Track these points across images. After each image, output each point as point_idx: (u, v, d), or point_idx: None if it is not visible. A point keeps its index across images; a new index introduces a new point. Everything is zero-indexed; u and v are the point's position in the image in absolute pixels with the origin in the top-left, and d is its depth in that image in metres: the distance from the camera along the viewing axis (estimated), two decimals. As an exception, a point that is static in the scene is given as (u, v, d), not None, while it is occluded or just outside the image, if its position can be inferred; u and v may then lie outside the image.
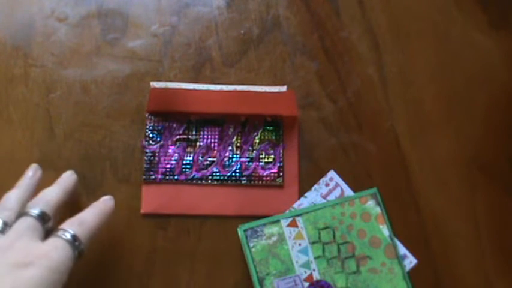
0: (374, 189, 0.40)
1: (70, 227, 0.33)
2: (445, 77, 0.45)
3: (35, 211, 0.33)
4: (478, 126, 0.44)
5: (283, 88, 0.44)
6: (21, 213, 0.33)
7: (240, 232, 0.38)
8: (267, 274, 0.37)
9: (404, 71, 0.45)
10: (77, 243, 0.33)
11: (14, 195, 0.35)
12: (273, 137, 0.43)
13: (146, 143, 0.42)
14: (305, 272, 0.37)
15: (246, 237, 0.38)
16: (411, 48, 0.46)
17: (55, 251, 0.31)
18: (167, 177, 0.41)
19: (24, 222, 0.33)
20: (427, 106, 0.45)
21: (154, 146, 0.42)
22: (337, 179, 0.41)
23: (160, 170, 0.41)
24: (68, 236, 0.32)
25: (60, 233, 0.32)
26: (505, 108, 0.45)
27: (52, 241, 0.32)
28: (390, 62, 0.46)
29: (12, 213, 0.33)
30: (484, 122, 0.44)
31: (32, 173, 0.37)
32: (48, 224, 0.34)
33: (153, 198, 0.41)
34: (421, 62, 0.46)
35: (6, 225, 0.32)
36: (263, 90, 0.43)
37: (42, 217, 0.33)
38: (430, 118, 0.44)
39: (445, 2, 0.47)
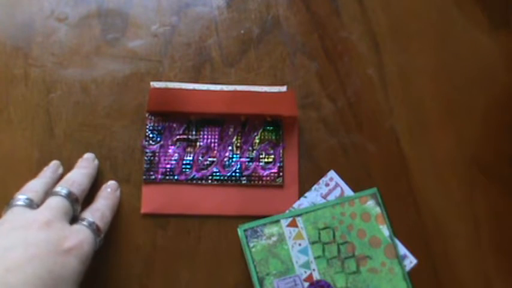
0: (374, 189, 0.40)
1: (93, 218, 0.34)
2: (445, 77, 0.45)
3: (63, 191, 0.34)
4: (478, 126, 0.44)
5: (283, 88, 0.44)
6: (50, 193, 0.34)
7: (240, 232, 0.38)
8: (267, 274, 0.37)
9: (404, 71, 0.45)
10: (99, 235, 0.34)
11: (38, 182, 0.36)
12: (273, 137, 0.43)
13: (146, 143, 0.42)
14: (305, 272, 0.37)
15: (246, 237, 0.38)
16: (411, 48, 0.46)
17: (86, 243, 0.32)
18: (167, 177, 0.41)
19: (55, 201, 0.33)
20: (427, 106, 0.45)
21: (154, 146, 0.42)
22: (337, 179, 0.41)
23: (160, 170, 0.41)
24: (94, 226, 0.33)
25: (85, 222, 0.33)
26: (505, 109, 0.45)
27: (83, 230, 0.33)
28: (390, 62, 0.46)
29: (38, 194, 0.34)
30: (484, 122, 0.44)
31: (54, 168, 0.38)
32: (76, 206, 0.35)
33: (153, 198, 0.41)
34: (421, 62, 0.46)
35: (33, 202, 0.33)
36: (263, 90, 0.43)
37: (71, 197, 0.34)
38: (430, 118, 0.44)
39: (445, 2, 0.48)
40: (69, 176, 0.37)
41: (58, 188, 0.34)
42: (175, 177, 0.41)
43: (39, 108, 0.43)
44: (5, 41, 0.44)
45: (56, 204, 0.33)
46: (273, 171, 0.42)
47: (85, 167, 0.38)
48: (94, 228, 0.33)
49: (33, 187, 0.35)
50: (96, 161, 0.40)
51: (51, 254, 0.29)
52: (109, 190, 0.39)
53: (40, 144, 0.42)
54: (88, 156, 0.40)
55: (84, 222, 0.33)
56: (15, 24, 0.45)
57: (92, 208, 0.36)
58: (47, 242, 0.30)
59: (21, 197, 0.33)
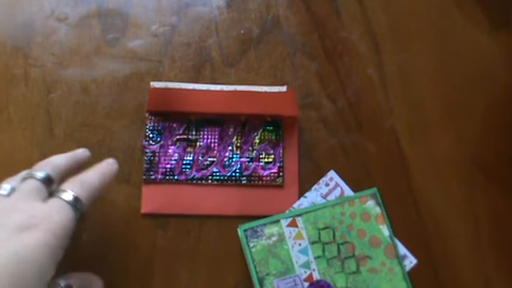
0: (374, 189, 0.40)
1: (71, 188, 0.32)
2: (445, 77, 0.45)
3: (40, 174, 0.33)
4: (478, 126, 0.44)
5: (283, 88, 0.44)
6: (27, 175, 0.33)
7: (240, 232, 0.38)
8: (267, 274, 0.37)
9: (404, 71, 0.45)
10: (78, 205, 0.31)
11: (57, 160, 0.34)
12: (273, 137, 0.43)
13: (146, 143, 0.42)
14: (305, 272, 0.37)
15: (246, 237, 0.38)
16: (411, 48, 0.46)
17: (57, 214, 0.30)
18: (167, 177, 0.41)
19: (28, 184, 0.32)
20: (427, 106, 0.45)
21: (154, 146, 0.42)
22: (337, 179, 0.41)
23: (160, 170, 0.41)
24: (69, 197, 0.31)
25: (61, 194, 0.31)
26: (505, 109, 0.45)
27: (54, 202, 0.31)
28: (390, 62, 0.46)
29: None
30: (484, 122, 0.44)
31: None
32: (52, 187, 0.33)
33: (153, 198, 0.41)
34: (421, 62, 0.46)
35: (14, 190, 0.32)
36: (263, 90, 0.43)
37: (47, 180, 0.33)
38: (430, 118, 0.44)
39: (445, 2, 0.48)
40: (53, 158, 0.35)
41: (36, 171, 0.33)
42: (175, 177, 0.41)
43: (39, 108, 0.43)
44: (5, 41, 0.44)
45: (29, 187, 0.32)
46: (273, 171, 0.42)
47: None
48: (71, 199, 0.31)
49: (44, 167, 0.34)
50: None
51: (13, 236, 0.28)
52: (103, 164, 0.36)
53: (40, 144, 0.42)
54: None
55: (59, 194, 0.31)
56: (15, 24, 0.45)
57: (72, 179, 0.33)
58: (8, 226, 0.28)
59: (5, 186, 0.32)
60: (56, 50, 0.44)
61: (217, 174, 0.41)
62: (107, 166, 0.36)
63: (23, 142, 0.42)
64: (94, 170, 0.35)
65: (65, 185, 0.33)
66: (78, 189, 0.32)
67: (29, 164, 0.39)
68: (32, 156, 0.41)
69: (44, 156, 0.41)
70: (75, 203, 0.31)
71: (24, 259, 0.27)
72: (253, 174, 0.41)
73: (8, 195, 0.32)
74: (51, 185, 0.33)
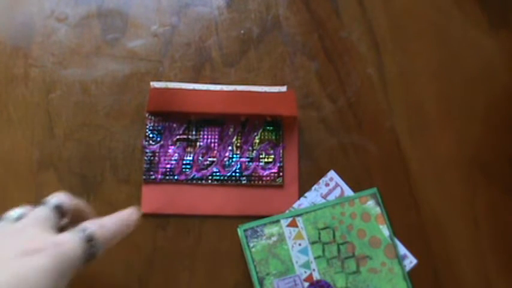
0: (374, 189, 0.40)
1: (87, 227, 0.31)
2: (445, 77, 0.45)
3: (52, 202, 0.32)
4: (478, 126, 0.44)
5: (283, 88, 0.44)
6: (39, 203, 0.33)
7: (240, 232, 0.38)
8: (267, 274, 0.37)
9: (404, 71, 0.45)
10: (91, 244, 0.31)
11: (68, 197, 0.34)
12: (273, 137, 0.42)
13: (146, 143, 0.42)
14: (305, 272, 0.37)
15: (246, 237, 0.38)
16: (411, 48, 0.46)
17: (67, 244, 0.29)
18: (167, 177, 0.41)
19: (39, 211, 0.32)
20: (427, 106, 0.45)
21: (154, 146, 0.42)
22: (337, 179, 0.41)
23: (160, 170, 0.41)
24: (84, 233, 0.31)
25: (76, 229, 0.31)
26: (505, 108, 0.45)
27: (66, 235, 0.30)
28: (390, 62, 0.46)
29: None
30: (484, 122, 0.44)
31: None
32: (63, 220, 0.33)
33: (153, 198, 0.41)
34: (421, 62, 0.46)
35: (23, 216, 0.31)
36: (263, 90, 0.43)
37: (59, 210, 0.32)
38: (430, 118, 0.44)
39: (445, 2, 0.47)
40: (68, 195, 0.35)
41: (49, 199, 0.33)
42: (175, 177, 0.41)
43: (39, 108, 0.43)
44: (5, 41, 0.44)
45: (40, 214, 0.31)
46: (273, 171, 0.42)
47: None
48: (86, 234, 0.31)
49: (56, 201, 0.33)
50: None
51: (15, 259, 0.27)
52: (124, 212, 0.35)
53: (40, 144, 0.42)
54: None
55: (75, 229, 0.31)
56: (15, 24, 0.45)
57: (91, 220, 0.33)
58: (14, 249, 0.28)
59: (12, 213, 0.32)
60: (56, 50, 0.44)
61: (217, 174, 0.41)
62: (129, 215, 0.35)
63: (23, 142, 0.42)
64: (115, 216, 0.34)
65: (83, 224, 0.32)
66: (95, 229, 0.31)
67: (29, 164, 0.39)
68: (32, 156, 0.41)
69: (44, 156, 0.41)
70: (89, 241, 0.31)
71: (24, 282, 0.27)
72: (253, 174, 0.41)
73: (17, 219, 0.31)
74: (62, 216, 0.33)
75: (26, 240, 0.29)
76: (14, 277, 0.26)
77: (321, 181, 0.41)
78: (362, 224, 0.38)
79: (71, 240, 0.30)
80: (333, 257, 0.38)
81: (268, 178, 0.41)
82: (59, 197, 0.33)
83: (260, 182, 0.41)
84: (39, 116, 0.43)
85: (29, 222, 0.31)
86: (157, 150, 0.42)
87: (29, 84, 0.43)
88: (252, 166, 0.42)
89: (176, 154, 0.42)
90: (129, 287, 0.39)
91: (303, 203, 0.40)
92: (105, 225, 0.33)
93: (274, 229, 0.38)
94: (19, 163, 0.41)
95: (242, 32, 0.46)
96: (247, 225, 0.38)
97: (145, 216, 0.41)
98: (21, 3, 0.45)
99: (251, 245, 0.38)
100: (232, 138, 0.42)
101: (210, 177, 0.41)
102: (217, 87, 0.43)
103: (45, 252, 0.28)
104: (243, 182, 0.41)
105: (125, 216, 0.35)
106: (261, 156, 0.42)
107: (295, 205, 0.40)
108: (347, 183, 0.41)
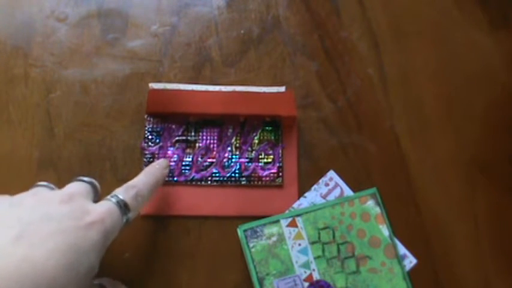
0: (374, 189, 0.40)
1: (124, 196, 0.33)
2: (445, 77, 0.45)
3: (86, 178, 0.34)
4: (478, 126, 0.44)
5: (282, 88, 0.44)
6: (74, 179, 0.34)
7: (239, 232, 0.38)
8: (267, 274, 0.37)
9: (404, 71, 0.45)
10: (126, 211, 0.33)
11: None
12: (272, 137, 0.42)
13: (145, 144, 0.42)
14: (305, 272, 0.37)
15: (246, 237, 0.38)
16: (411, 48, 0.46)
17: (109, 217, 0.31)
18: (166, 179, 0.41)
19: (77, 184, 0.33)
20: (427, 106, 0.44)
21: (154, 148, 0.42)
22: (336, 179, 0.41)
23: (160, 170, 0.41)
24: (121, 204, 0.33)
25: (114, 198, 0.33)
26: (504, 108, 0.45)
27: (106, 204, 0.32)
28: (390, 62, 0.45)
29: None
30: (484, 122, 0.44)
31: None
32: (97, 194, 0.35)
33: (153, 200, 0.41)
34: (421, 62, 0.46)
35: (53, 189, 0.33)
36: (261, 91, 0.43)
37: (93, 185, 0.34)
38: (430, 118, 0.44)
39: (445, 2, 0.47)
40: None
41: (81, 176, 0.35)
42: (175, 178, 0.41)
43: (39, 108, 0.43)
44: (5, 41, 0.44)
45: (78, 185, 0.33)
46: (272, 171, 0.42)
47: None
48: (122, 206, 0.32)
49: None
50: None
51: (72, 229, 0.29)
52: (157, 166, 0.38)
53: (40, 144, 0.42)
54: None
55: (113, 199, 0.33)
56: (15, 24, 0.45)
57: (128, 185, 0.35)
58: (69, 216, 0.29)
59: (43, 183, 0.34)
60: (56, 50, 0.44)
61: (217, 175, 0.41)
62: (161, 172, 0.38)
63: (23, 142, 0.42)
64: (148, 177, 0.36)
65: (119, 190, 0.34)
66: (130, 198, 0.33)
67: (29, 164, 0.39)
68: (32, 156, 0.41)
69: (44, 156, 0.41)
70: (124, 208, 0.33)
71: (79, 252, 0.28)
72: (253, 174, 0.41)
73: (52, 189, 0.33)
74: (97, 193, 0.34)
75: (77, 211, 0.30)
76: (71, 247, 0.28)
77: (320, 181, 0.41)
78: (362, 224, 0.38)
79: (112, 212, 0.32)
80: (332, 257, 0.38)
81: (267, 178, 0.41)
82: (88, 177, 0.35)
83: (260, 183, 0.41)
84: (39, 116, 0.43)
85: (70, 191, 0.32)
86: (157, 152, 0.42)
87: (29, 84, 0.43)
88: (252, 166, 0.42)
89: (175, 155, 0.42)
90: (129, 287, 0.39)
91: (303, 203, 0.40)
92: (139, 192, 0.34)
93: (274, 229, 0.38)
94: (19, 163, 0.41)
95: (242, 32, 0.46)
96: (247, 226, 0.38)
97: (146, 217, 0.41)
98: (21, 3, 0.46)
99: (251, 245, 0.38)
100: (231, 138, 0.42)
101: (209, 178, 0.41)
102: (216, 88, 0.43)
103: (96, 228, 0.30)
104: (243, 182, 0.41)
105: (158, 175, 0.37)
106: (260, 156, 0.42)
107: (295, 205, 0.40)
108: (347, 183, 0.41)
